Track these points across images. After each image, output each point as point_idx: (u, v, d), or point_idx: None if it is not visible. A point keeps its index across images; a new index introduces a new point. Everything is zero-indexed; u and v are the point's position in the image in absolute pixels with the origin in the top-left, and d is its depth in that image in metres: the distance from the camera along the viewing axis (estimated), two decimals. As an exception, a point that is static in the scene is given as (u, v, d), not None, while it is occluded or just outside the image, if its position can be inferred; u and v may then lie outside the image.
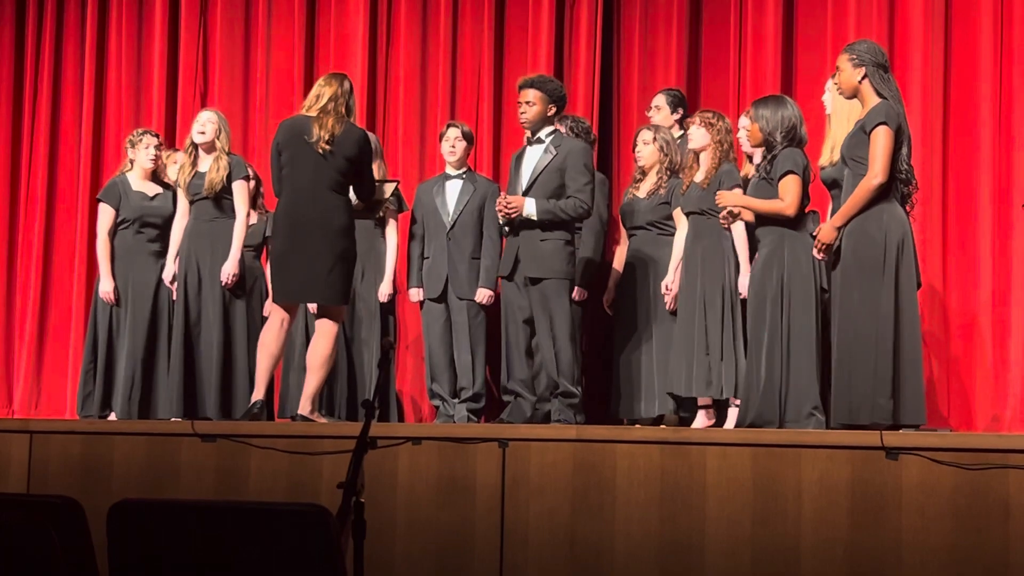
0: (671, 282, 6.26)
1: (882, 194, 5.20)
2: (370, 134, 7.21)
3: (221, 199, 6.80)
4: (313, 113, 5.95)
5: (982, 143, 6.80)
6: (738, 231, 6.07)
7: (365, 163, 6.04)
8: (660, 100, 6.96)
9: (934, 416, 6.46)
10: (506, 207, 6.06)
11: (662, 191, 6.45)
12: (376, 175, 6.92)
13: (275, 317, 6.07)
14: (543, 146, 6.22)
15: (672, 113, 6.91)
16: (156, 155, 7.12)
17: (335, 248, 5.91)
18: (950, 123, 6.91)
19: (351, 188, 6.07)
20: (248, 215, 6.82)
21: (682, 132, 6.83)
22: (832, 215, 5.60)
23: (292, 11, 8.36)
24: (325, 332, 5.99)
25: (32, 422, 6.49)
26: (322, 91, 5.99)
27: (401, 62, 8.12)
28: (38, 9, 8.94)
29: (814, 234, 5.43)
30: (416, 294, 7.05)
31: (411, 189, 7.43)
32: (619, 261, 6.71)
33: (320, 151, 5.87)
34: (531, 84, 6.20)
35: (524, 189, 6.16)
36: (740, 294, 6.04)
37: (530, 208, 6.07)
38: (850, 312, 5.19)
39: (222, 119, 6.91)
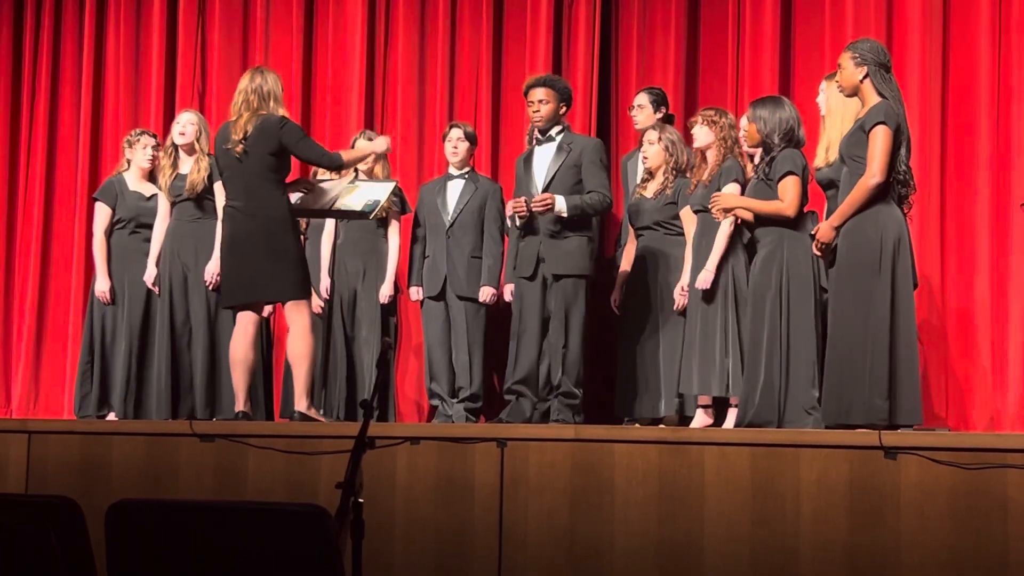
0: (700, 284, 6.21)
1: (880, 194, 5.20)
2: (374, 134, 7.23)
3: (203, 200, 6.82)
4: (233, 118, 5.99)
5: (980, 143, 6.80)
6: (722, 228, 6.05)
7: (295, 144, 5.96)
8: (642, 99, 6.95)
9: (931, 416, 6.46)
10: (541, 204, 6.07)
11: (668, 191, 6.45)
12: (378, 174, 6.94)
13: (239, 325, 6.07)
14: (554, 144, 6.28)
15: (655, 112, 6.89)
16: (153, 155, 7.13)
17: (269, 243, 5.89)
18: (948, 123, 6.91)
19: (314, 166, 6.24)
20: None
21: None
22: (827, 215, 5.61)
23: (290, 12, 8.35)
24: (297, 329, 5.95)
25: (30, 422, 6.49)
26: (237, 93, 6.03)
27: (399, 63, 8.11)
28: (36, 9, 8.94)
29: (813, 233, 5.43)
30: (416, 293, 7.06)
31: (409, 189, 7.43)
32: (627, 261, 6.70)
33: (237, 155, 5.89)
34: (543, 83, 6.30)
35: (542, 189, 6.19)
36: (696, 286, 6.05)
37: (561, 205, 6.11)
38: (844, 312, 5.20)
39: (202, 120, 6.95)
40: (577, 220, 6.21)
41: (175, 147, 6.89)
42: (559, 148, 6.28)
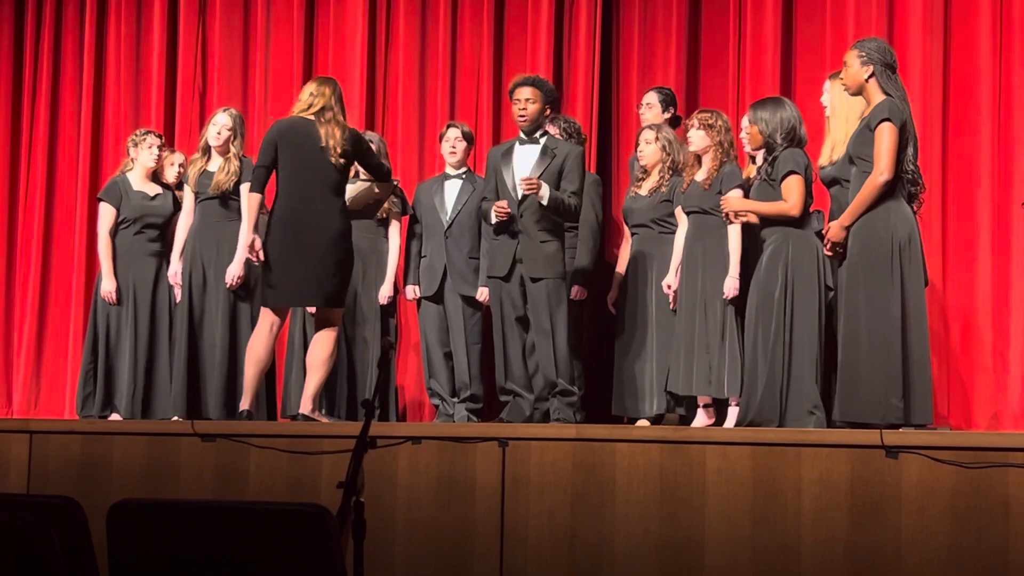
0: (672, 281, 6.26)
1: (888, 192, 5.20)
2: (374, 135, 7.24)
3: (228, 200, 6.81)
4: (311, 116, 5.96)
5: (982, 142, 6.80)
6: (733, 233, 6.06)
7: (364, 152, 6.08)
8: (651, 98, 6.96)
9: (934, 415, 6.45)
10: (528, 184, 6.06)
11: (664, 189, 6.45)
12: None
13: (264, 322, 6.07)
14: (538, 147, 6.27)
15: (664, 112, 6.89)
16: (159, 155, 7.13)
17: (335, 252, 5.94)
18: (949, 122, 6.91)
19: (370, 177, 6.22)
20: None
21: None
22: (832, 213, 5.61)
23: (291, 11, 8.35)
24: (325, 334, 6.01)
25: (32, 422, 6.49)
26: (318, 99, 5.99)
27: (400, 62, 8.12)
28: (37, 8, 8.94)
29: (823, 233, 5.43)
30: (412, 292, 7.06)
31: (410, 189, 7.42)
32: (623, 260, 6.71)
33: (333, 161, 5.91)
34: (530, 83, 6.28)
35: (523, 194, 6.18)
36: (724, 295, 6.04)
37: (544, 192, 6.10)
38: (856, 311, 5.19)
39: (238, 122, 6.89)
40: (555, 224, 6.20)
41: (208, 147, 6.88)
42: (543, 152, 6.26)
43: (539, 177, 6.14)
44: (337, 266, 5.96)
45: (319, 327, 6.06)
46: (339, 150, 5.91)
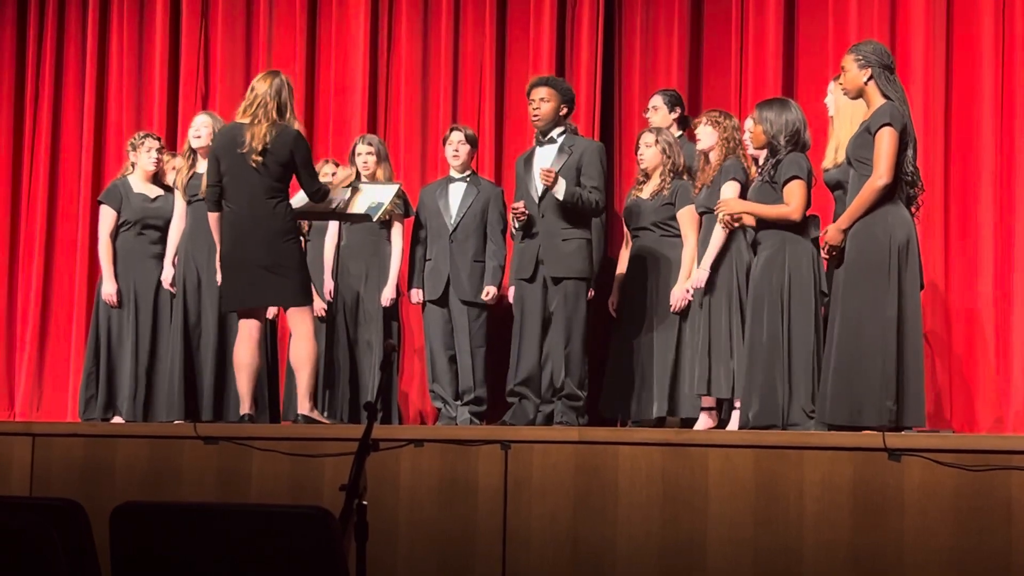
0: (694, 283, 6.20)
1: (887, 195, 5.20)
2: (375, 137, 7.22)
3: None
4: (246, 120, 5.90)
5: (984, 143, 6.80)
6: (717, 229, 6.04)
7: (301, 163, 5.93)
8: (657, 100, 6.97)
9: (936, 417, 6.46)
10: (546, 175, 6.08)
11: (665, 192, 6.46)
12: (380, 177, 6.94)
13: (242, 329, 6.06)
14: (556, 146, 6.30)
15: (670, 112, 6.92)
16: (158, 158, 7.13)
17: (272, 252, 5.86)
18: (952, 123, 6.91)
19: (302, 189, 6.04)
20: None
21: (681, 132, 6.86)
22: (836, 216, 5.61)
23: (293, 14, 8.36)
24: (300, 333, 5.96)
25: (35, 425, 6.50)
26: (253, 95, 5.92)
27: (402, 64, 8.12)
28: (39, 12, 8.95)
29: (821, 235, 5.43)
30: (416, 295, 7.06)
31: (412, 191, 7.43)
32: (623, 263, 6.71)
33: (255, 165, 5.83)
34: (545, 83, 6.34)
35: (541, 192, 6.21)
36: (691, 286, 6.06)
37: (561, 186, 6.11)
38: (852, 313, 5.19)
39: (217, 121, 6.90)
40: (576, 221, 6.22)
41: (192, 150, 6.89)
42: (560, 149, 6.30)
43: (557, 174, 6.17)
44: (279, 265, 5.86)
45: (292, 328, 6.01)
46: (260, 148, 5.82)
